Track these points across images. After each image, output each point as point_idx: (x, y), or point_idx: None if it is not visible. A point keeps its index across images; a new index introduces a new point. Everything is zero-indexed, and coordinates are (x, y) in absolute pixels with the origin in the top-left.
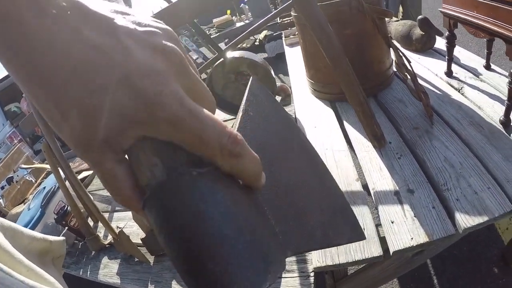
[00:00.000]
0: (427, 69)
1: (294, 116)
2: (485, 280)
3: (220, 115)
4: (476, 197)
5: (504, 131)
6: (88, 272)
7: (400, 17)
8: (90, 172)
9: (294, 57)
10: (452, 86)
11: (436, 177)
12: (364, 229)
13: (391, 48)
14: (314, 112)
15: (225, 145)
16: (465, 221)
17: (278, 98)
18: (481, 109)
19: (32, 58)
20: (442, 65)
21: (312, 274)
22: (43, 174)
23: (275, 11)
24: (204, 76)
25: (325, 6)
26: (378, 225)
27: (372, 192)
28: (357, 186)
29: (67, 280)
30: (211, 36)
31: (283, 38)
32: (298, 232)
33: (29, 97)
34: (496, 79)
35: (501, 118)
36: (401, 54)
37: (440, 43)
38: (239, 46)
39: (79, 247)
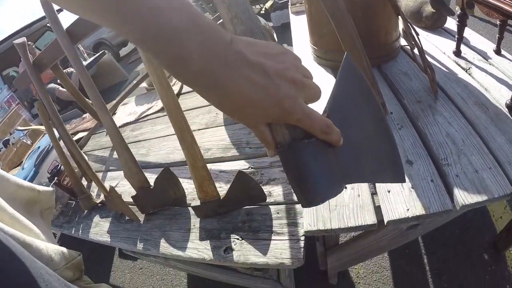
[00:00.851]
0: (435, 46)
1: None
2: (474, 265)
3: None
4: (476, 176)
5: (509, 115)
6: (80, 231)
7: None
8: (85, 133)
9: (299, 25)
10: (460, 66)
11: (436, 151)
12: (358, 195)
13: (399, 17)
14: (316, 79)
15: (323, 129)
16: (464, 198)
17: None
18: (488, 91)
19: (225, 95)
20: (450, 44)
21: (302, 238)
22: (40, 137)
23: None
24: None
25: None
26: (373, 193)
27: None
28: None
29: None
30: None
31: (289, 6)
32: (356, 170)
33: (220, 109)
34: (505, 65)
35: (508, 102)
36: (409, 24)
37: (450, 23)
38: None
39: (72, 206)
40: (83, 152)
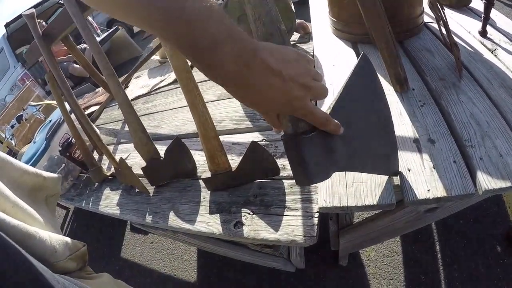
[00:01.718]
0: (460, 25)
1: (312, 53)
2: (486, 256)
3: None
4: (501, 160)
5: None
6: (90, 204)
7: None
8: (98, 107)
9: None
10: (485, 46)
11: (460, 132)
12: None
13: None
14: (334, 51)
15: (322, 122)
16: (487, 182)
17: (297, 35)
18: None
19: (249, 94)
20: (475, 24)
21: (316, 215)
22: (54, 111)
23: None
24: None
25: None
26: None
27: None
28: None
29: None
30: None
31: None
32: (355, 159)
33: (239, 101)
34: None
35: None
36: None
37: (475, 3)
38: None
39: (83, 179)
40: (96, 126)
